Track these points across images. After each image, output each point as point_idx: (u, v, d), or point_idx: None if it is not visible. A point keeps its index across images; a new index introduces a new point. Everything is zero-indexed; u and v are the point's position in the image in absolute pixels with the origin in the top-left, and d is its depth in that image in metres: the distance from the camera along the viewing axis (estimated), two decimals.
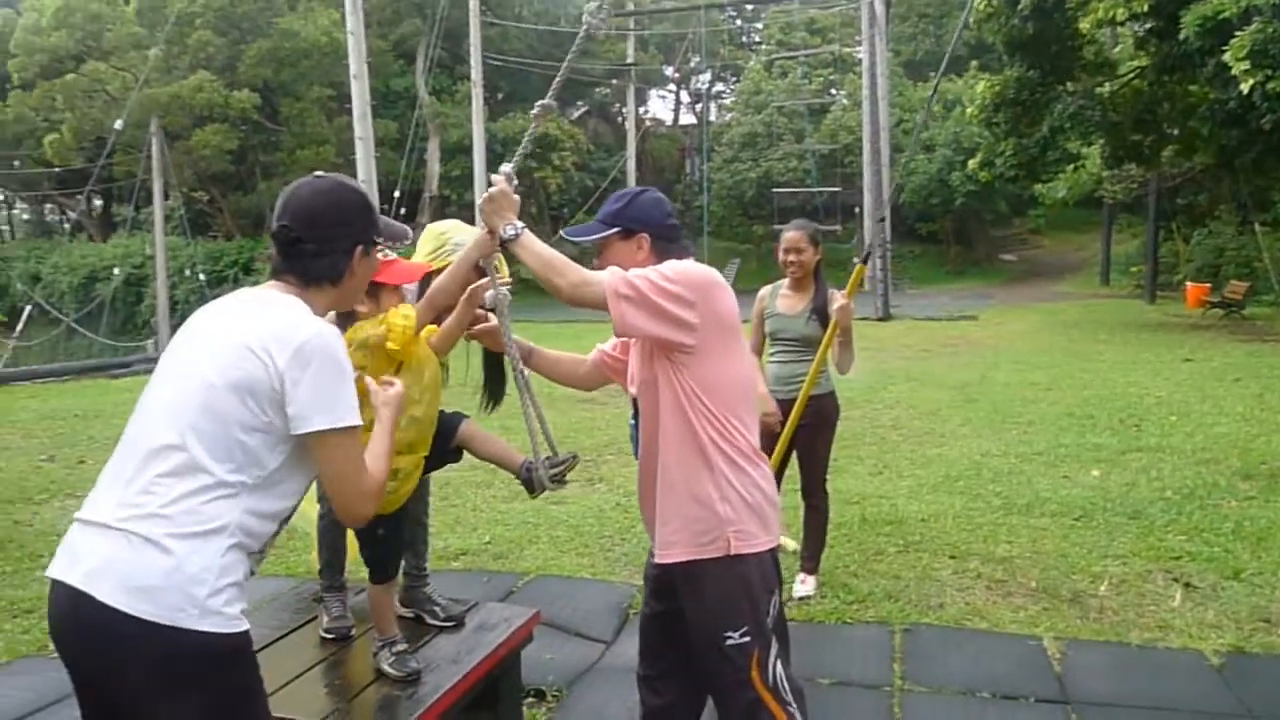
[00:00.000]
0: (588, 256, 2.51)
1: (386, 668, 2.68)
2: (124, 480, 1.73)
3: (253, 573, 1.79)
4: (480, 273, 2.48)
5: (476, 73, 25.48)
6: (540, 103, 2.42)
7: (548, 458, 2.55)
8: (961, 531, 5.17)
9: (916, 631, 3.91)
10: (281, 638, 2.99)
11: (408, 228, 2.19)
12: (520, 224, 2.29)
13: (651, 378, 2.36)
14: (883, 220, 17.49)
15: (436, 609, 3.09)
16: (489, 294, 2.46)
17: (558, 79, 2.41)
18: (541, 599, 4.32)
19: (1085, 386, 10.08)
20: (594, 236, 2.45)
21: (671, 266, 2.29)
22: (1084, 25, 14.61)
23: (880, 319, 19.74)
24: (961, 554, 4.81)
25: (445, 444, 2.63)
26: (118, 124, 18.06)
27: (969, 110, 18.52)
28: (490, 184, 2.34)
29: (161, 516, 1.66)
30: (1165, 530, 5.08)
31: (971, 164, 19.11)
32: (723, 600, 2.32)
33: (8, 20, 34.04)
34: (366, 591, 2.83)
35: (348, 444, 1.79)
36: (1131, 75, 16.52)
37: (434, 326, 2.62)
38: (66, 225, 38.38)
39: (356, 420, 1.79)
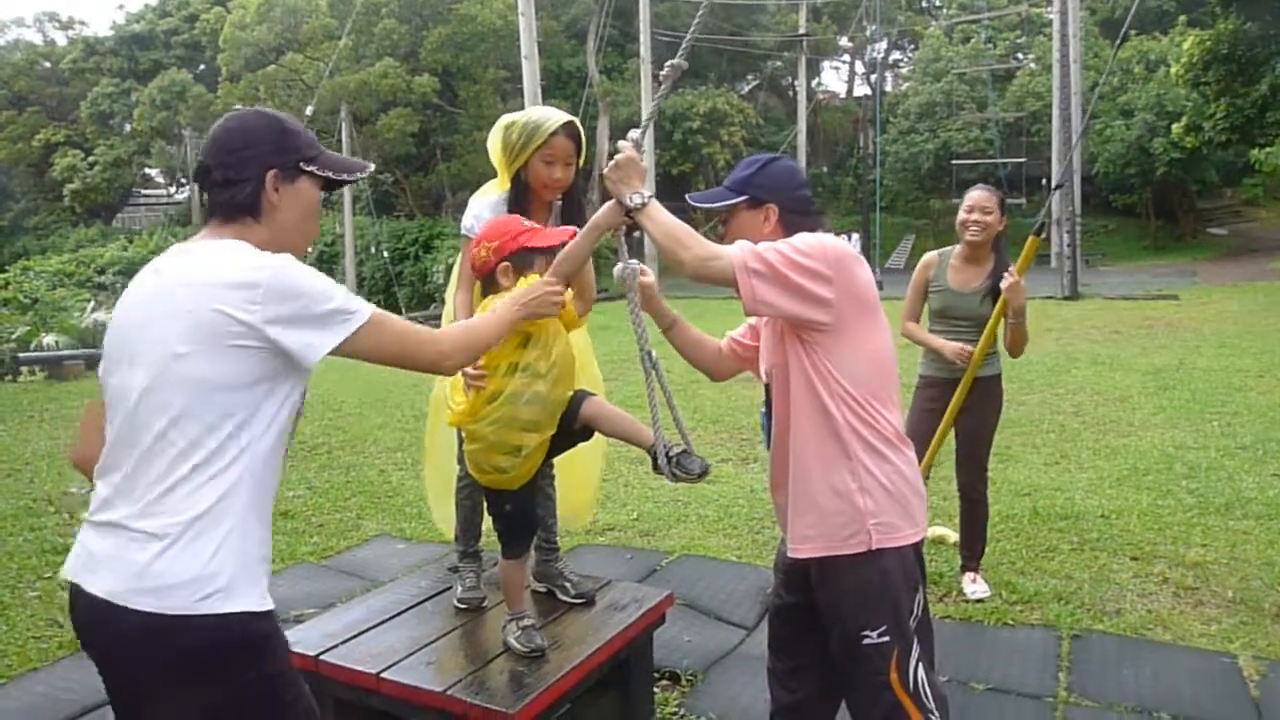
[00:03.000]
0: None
1: (512, 642, 2.66)
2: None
3: None
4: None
5: (646, 50, 25.57)
6: (670, 62, 2.28)
7: (679, 449, 2.35)
8: (1147, 531, 4.70)
9: (1088, 639, 3.56)
10: (416, 605, 3.04)
11: (368, 163, 2.01)
12: (647, 193, 2.17)
13: (783, 360, 2.20)
14: (1060, 188, 16.18)
15: (568, 585, 3.06)
16: (618, 267, 2.34)
17: (688, 35, 2.27)
18: (684, 580, 4.25)
19: None
20: (720, 204, 2.30)
21: (804, 239, 2.12)
22: None
23: (1067, 297, 18.39)
24: (1145, 555, 4.37)
25: (570, 422, 2.52)
26: (308, 110, 19.26)
27: (1174, 70, 16.95)
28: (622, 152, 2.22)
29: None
30: None
31: (1176, 129, 17.51)
32: (861, 596, 2.16)
33: (219, 18, 37.02)
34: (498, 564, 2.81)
35: (374, 331, 1.69)
36: None
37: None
38: None
39: (365, 310, 1.69)
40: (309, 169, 1.78)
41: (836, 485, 2.14)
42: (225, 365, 1.59)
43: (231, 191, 1.72)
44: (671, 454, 2.31)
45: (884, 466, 2.15)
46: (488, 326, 2.02)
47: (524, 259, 2.36)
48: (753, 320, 2.51)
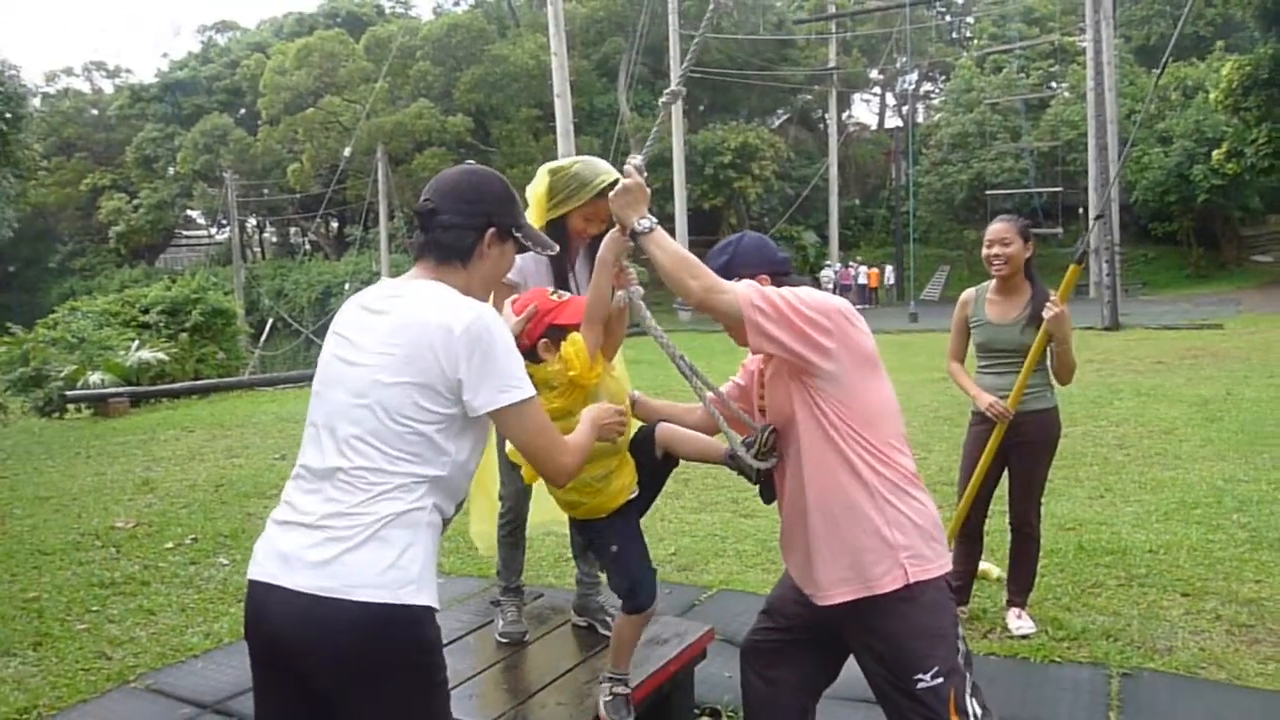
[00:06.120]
0: None
1: (601, 705, 2.54)
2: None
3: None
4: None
5: (676, 86, 25.84)
6: (667, 90, 2.32)
7: (744, 439, 2.30)
8: (1197, 566, 4.59)
9: (1139, 677, 3.47)
10: (459, 639, 3.05)
11: (554, 243, 2.12)
12: (652, 219, 2.19)
13: (791, 412, 2.20)
14: (1100, 218, 16.03)
15: (609, 619, 3.05)
16: (619, 294, 2.31)
17: (687, 60, 2.31)
18: (723, 614, 4.22)
19: None
20: None
21: (806, 291, 2.17)
22: None
23: (1107, 328, 18.17)
24: (1197, 592, 4.27)
25: (651, 452, 2.47)
26: (346, 152, 19.67)
27: (1213, 95, 16.81)
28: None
29: None
30: None
31: (1216, 155, 17.34)
32: (907, 639, 2.11)
33: (259, 64, 38.03)
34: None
35: (531, 413, 1.85)
36: None
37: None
38: (306, 245, 42.23)
39: (530, 391, 1.85)
40: (517, 234, 1.99)
41: (863, 524, 2.13)
42: (420, 397, 1.77)
43: (454, 235, 1.91)
44: (742, 449, 2.26)
45: (909, 502, 2.16)
46: (582, 448, 2.05)
47: (556, 333, 2.31)
48: (738, 379, 2.54)
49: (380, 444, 1.76)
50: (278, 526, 1.82)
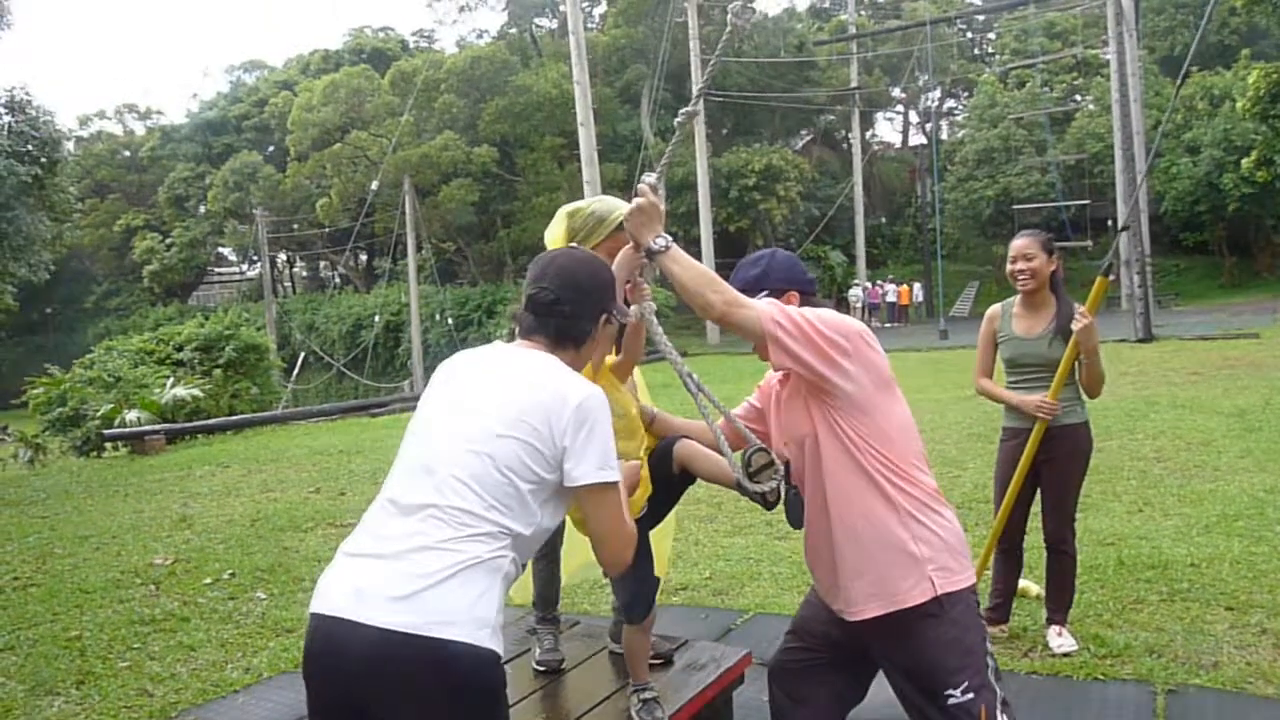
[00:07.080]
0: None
1: (633, 714, 2.62)
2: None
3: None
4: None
5: (692, 105, 26.01)
6: (683, 110, 2.37)
7: (743, 465, 2.33)
8: (1241, 579, 4.50)
9: (1184, 694, 3.41)
10: None
11: (628, 309, 2.22)
12: (668, 237, 2.22)
13: (811, 429, 2.22)
14: (1126, 229, 15.90)
15: None
16: (632, 309, 2.35)
17: (704, 78, 2.35)
18: (760, 639, 4.19)
19: None
20: None
21: (827, 313, 2.20)
22: None
23: (1141, 340, 17.93)
24: (1241, 605, 4.18)
25: (669, 467, 2.51)
26: (374, 185, 19.98)
27: (1240, 104, 16.64)
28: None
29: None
30: None
31: (1246, 163, 17.13)
32: (938, 653, 2.11)
33: (286, 101, 38.74)
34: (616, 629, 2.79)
35: (616, 498, 1.91)
36: None
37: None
38: (336, 279, 42.78)
39: (620, 477, 1.92)
40: (615, 313, 2.11)
41: (889, 539, 2.14)
42: (526, 455, 1.83)
43: (574, 323, 2.02)
44: (750, 469, 2.29)
45: (934, 517, 2.16)
46: (634, 535, 2.09)
47: None
48: (754, 400, 2.55)
49: (480, 489, 1.79)
50: (351, 559, 1.81)
